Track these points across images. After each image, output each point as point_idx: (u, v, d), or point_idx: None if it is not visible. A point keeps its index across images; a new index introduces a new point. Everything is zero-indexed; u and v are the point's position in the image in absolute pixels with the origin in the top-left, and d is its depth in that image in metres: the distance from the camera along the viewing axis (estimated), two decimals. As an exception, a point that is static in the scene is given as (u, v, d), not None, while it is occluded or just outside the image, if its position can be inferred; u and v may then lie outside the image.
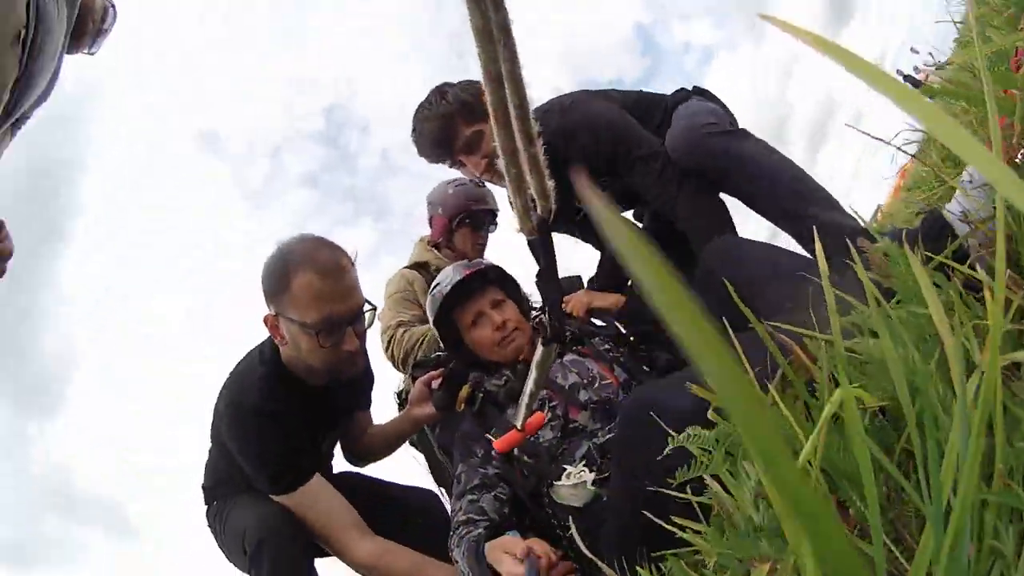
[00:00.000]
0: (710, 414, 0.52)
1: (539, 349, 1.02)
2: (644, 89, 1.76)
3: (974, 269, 0.52)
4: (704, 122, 1.47)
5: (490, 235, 2.28)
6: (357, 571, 1.33)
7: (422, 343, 1.89)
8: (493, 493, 1.23)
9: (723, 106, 1.66)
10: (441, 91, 1.58)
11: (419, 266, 2.17)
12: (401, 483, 1.70)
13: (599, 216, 0.15)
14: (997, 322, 0.24)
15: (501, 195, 2.22)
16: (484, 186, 2.18)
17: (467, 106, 1.51)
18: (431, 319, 1.51)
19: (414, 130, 1.60)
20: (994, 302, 0.25)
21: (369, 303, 1.37)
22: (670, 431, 0.64)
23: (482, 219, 2.19)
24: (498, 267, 1.53)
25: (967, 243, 0.65)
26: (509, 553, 0.99)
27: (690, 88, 1.78)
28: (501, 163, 0.61)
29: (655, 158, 1.49)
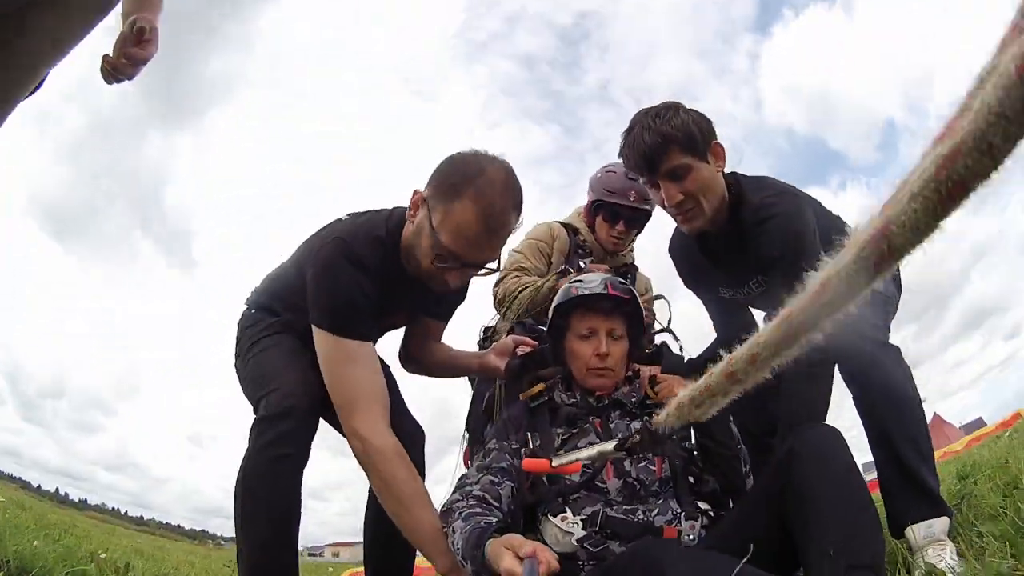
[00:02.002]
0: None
1: (611, 445, 1.04)
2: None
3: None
4: (871, 323, 1.55)
5: (637, 234, 2.20)
6: (358, 447, 1.32)
7: (523, 290, 1.96)
8: (513, 485, 1.31)
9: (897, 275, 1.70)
10: (674, 108, 1.49)
11: (569, 227, 2.21)
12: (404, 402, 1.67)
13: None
14: None
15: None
16: (638, 180, 2.03)
17: (691, 137, 1.44)
18: (554, 303, 1.54)
19: (628, 131, 1.52)
20: None
21: (490, 268, 1.40)
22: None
23: (618, 213, 2.11)
24: (639, 306, 1.51)
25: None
26: (512, 550, 1.00)
27: None
28: (691, 384, 0.61)
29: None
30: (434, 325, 1.73)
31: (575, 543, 1.22)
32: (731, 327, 1.86)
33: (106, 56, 1.13)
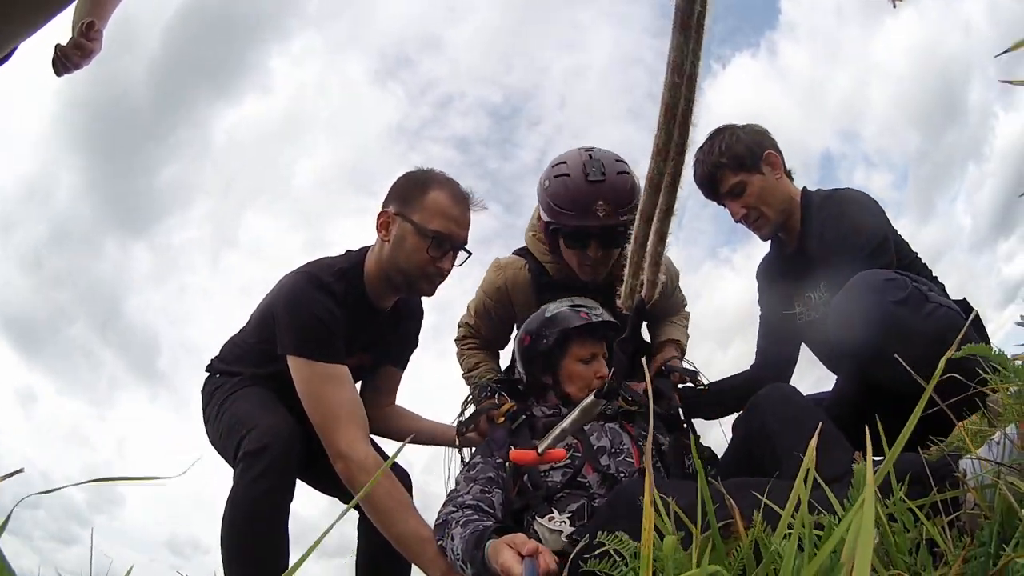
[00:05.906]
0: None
1: (589, 397, 1.17)
2: None
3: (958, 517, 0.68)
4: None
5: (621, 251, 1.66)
6: (342, 467, 1.34)
7: (474, 369, 1.97)
8: (503, 492, 1.33)
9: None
10: (719, 134, 1.68)
11: (526, 256, 1.92)
12: None
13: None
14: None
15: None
16: (602, 180, 1.66)
17: (737, 157, 1.66)
18: (562, 327, 1.55)
19: (694, 166, 1.71)
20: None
21: (467, 250, 1.55)
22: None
23: (586, 234, 1.68)
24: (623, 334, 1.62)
25: (963, 497, 0.73)
26: (513, 547, 1.00)
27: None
28: (629, 248, 0.76)
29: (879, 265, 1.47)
30: (392, 374, 1.75)
31: (564, 539, 1.22)
32: (774, 355, 1.84)
33: (58, 44, 1.28)
